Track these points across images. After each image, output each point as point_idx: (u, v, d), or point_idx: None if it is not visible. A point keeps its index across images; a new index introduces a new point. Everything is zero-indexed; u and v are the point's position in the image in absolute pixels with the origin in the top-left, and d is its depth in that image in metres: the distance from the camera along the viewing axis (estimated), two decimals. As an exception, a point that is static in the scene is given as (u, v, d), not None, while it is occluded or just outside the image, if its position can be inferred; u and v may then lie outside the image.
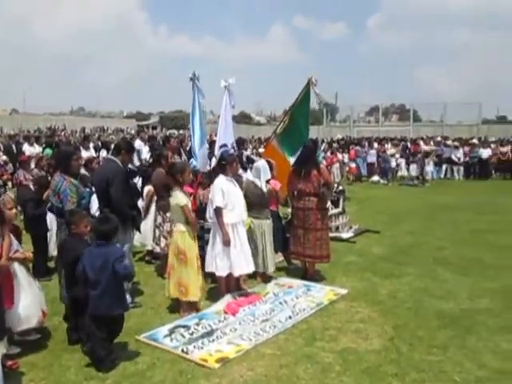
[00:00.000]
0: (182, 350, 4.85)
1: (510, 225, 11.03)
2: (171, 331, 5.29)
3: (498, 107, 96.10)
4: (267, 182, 6.94)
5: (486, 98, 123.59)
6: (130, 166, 6.79)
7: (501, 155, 22.48)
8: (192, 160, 8.36)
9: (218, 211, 6.04)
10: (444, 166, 22.49)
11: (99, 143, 20.73)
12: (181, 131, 42.30)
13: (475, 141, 24.77)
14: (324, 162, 19.03)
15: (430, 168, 20.79)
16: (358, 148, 22.58)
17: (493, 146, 23.89)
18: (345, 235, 9.86)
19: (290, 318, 5.68)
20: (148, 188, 7.80)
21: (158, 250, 7.46)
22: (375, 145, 23.85)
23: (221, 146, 7.75)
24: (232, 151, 7.67)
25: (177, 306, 5.87)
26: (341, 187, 11.62)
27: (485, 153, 22.09)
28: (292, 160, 8.05)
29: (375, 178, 21.10)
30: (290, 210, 7.88)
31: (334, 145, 24.91)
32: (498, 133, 38.53)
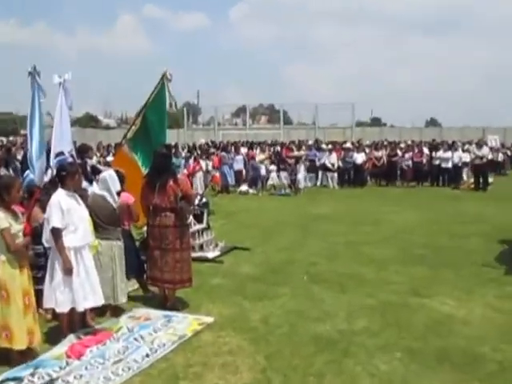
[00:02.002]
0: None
1: (386, 236, 11.88)
2: (-3, 386, 4.93)
3: (371, 109, 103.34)
4: (118, 195, 6.79)
5: (361, 99, 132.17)
6: None
7: (375, 160, 24.20)
8: (28, 172, 7.87)
9: (56, 233, 5.77)
10: (318, 173, 23.70)
11: None
12: (11, 138, 39.86)
13: (349, 145, 26.42)
14: (184, 171, 19.20)
15: (301, 175, 21.68)
16: (223, 154, 22.92)
17: (367, 150, 25.62)
18: (210, 254, 9.93)
19: (147, 356, 5.58)
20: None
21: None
22: (243, 150, 24.43)
23: (57, 155, 7.42)
24: (71, 160, 7.38)
25: (5, 355, 5.46)
26: (204, 199, 11.70)
27: (359, 158, 23.61)
28: (146, 170, 7.96)
29: (243, 187, 21.58)
30: (145, 228, 7.76)
31: (196, 151, 25.11)
32: (373, 136, 41.42)
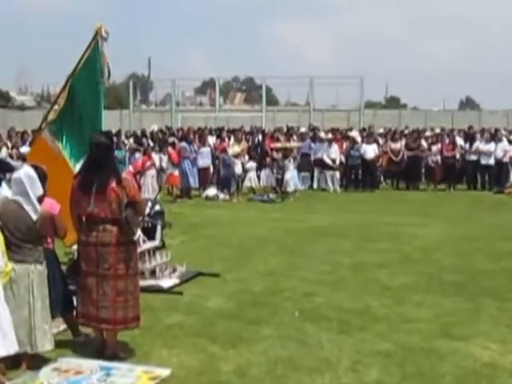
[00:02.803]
0: None
1: (406, 257, 12.01)
2: None
3: (386, 85, 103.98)
4: (39, 201, 6.76)
5: (373, 72, 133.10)
6: None
7: (392, 154, 24.37)
8: None
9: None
10: (314, 172, 23.81)
11: None
12: None
13: (355, 133, 26.53)
14: (130, 168, 19.15)
15: (291, 174, 21.71)
16: (183, 145, 22.83)
17: (380, 140, 25.82)
18: (166, 283, 9.92)
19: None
20: None
21: None
22: (210, 140, 24.41)
23: None
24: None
25: None
26: (157, 207, 11.68)
27: (369, 151, 23.75)
28: (77, 165, 7.95)
29: (211, 191, 21.58)
30: (75, 247, 7.73)
31: (147, 140, 25.04)
32: (389, 121, 41.68)
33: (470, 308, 8.77)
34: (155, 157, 21.07)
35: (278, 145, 23.06)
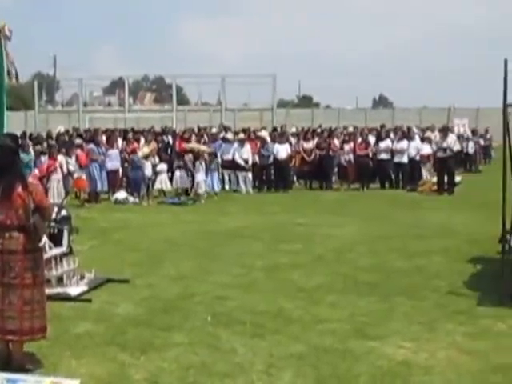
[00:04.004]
0: None
1: (320, 257, 12.18)
2: None
3: (299, 83, 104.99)
4: None
5: (286, 69, 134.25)
6: None
7: (304, 154, 24.65)
8: None
9: None
10: (226, 173, 23.86)
11: None
12: None
13: (264, 133, 26.70)
14: (35, 172, 18.81)
15: (201, 176, 21.64)
16: (91, 147, 22.53)
17: (293, 140, 26.03)
18: (73, 290, 9.79)
19: None
20: None
21: None
22: (119, 141, 24.19)
23: None
24: None
25: None
26: (64, 212, 11.53)
27: (282, 151, 23.93)
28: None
29: (121, 194, 21.39)
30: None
31: (52, 142, 24.63)
32: (302, 120, 42.21)
33: (384, 307, 8.96)
34: (61, 158, 20.70)
35: (189, 146, 22.97)
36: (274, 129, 30.21)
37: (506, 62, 8.81)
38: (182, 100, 51.83)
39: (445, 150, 22.89)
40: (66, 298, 9.48)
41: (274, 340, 7.69)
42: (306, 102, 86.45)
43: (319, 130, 29.72)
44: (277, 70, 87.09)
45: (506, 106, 9.02)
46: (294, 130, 31.17)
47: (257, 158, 23.96)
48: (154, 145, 23.81)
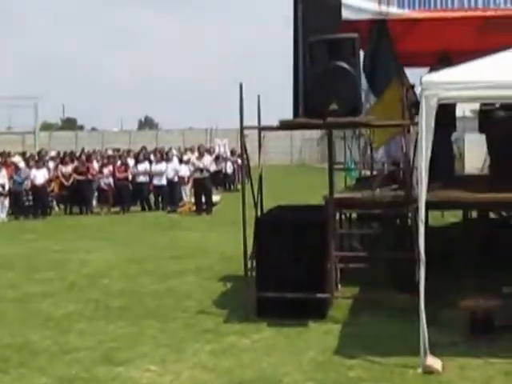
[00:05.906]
0: None
1: (72, 284, 12.05)
2: None
3: (63, 106, 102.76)
4: None
5: (54, 92, 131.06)
6: None
7: (63, 179, 24.22)
8: None
9: None
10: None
11: None
12: None
13: (17, 158, 25.85)
14: None
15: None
16: None
17: (52, 164, 25.47)
18: None
19: None
20: None
21: None
22: None
23: None
24: None
25: None
26: None
27: (39, 176, 23.31)
28: None
29: None
30: None
31: None
32: (66, 143, 41.63)
33: (132, 331, 8.96)
34: None
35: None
36: (30, 155, 29.33)
37: (241, 86, 9.21)
38: None
39: (201, 170, 23.43)
40: None
41: (18, 374, 7.47)
42: (70, 124, 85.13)
43: (78, 154, 29.24)
44: (41, 93, 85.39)
45: (242, 129, 9.42)
46: (53, 153, 30.51)
47: (12, 184, 23.21)
48: None
